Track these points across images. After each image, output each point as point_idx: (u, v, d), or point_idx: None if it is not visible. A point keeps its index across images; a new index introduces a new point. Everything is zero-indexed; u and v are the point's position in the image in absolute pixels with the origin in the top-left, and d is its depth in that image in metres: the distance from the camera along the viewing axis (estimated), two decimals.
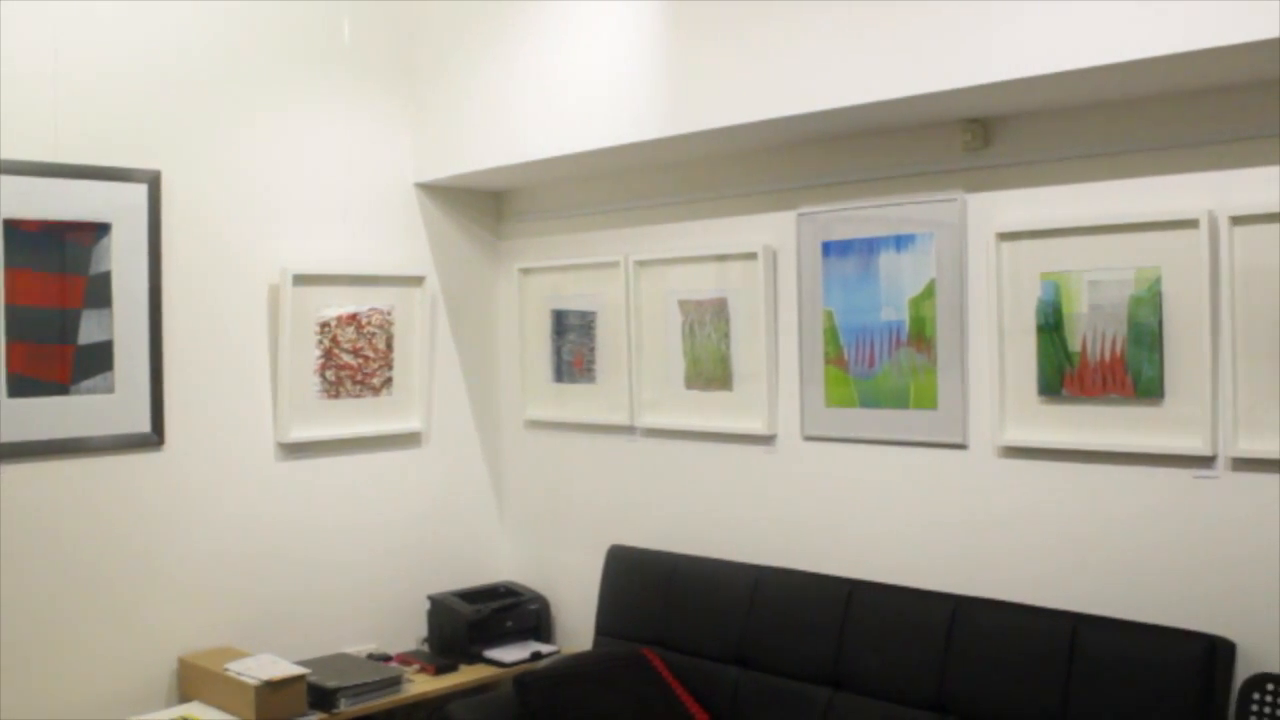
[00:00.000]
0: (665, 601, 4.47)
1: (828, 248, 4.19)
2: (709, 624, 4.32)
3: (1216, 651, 3.26)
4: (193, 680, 4.27)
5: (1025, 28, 3.22)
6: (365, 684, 4.31)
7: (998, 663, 3.59)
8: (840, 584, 4.05)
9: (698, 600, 4.38)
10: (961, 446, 3.90)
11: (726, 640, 4.25)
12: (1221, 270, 3.34)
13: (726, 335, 4.50)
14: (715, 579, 4.37)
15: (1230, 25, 2.88)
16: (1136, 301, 3.50)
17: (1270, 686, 3.19)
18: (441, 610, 4.93)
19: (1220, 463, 3.39)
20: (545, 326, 5.21)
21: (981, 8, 3.30)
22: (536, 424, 5.28)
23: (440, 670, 4.67)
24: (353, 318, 4.85)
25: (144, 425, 4.29)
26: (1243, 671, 3.29)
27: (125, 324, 4.24)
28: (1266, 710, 3.18)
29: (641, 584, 4.57)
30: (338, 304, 4.81)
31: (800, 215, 4.27)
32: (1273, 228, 3.27)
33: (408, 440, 5.07)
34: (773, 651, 4.13)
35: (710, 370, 4.57)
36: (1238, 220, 3.31)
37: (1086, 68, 3.14)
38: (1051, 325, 3.66)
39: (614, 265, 4.86)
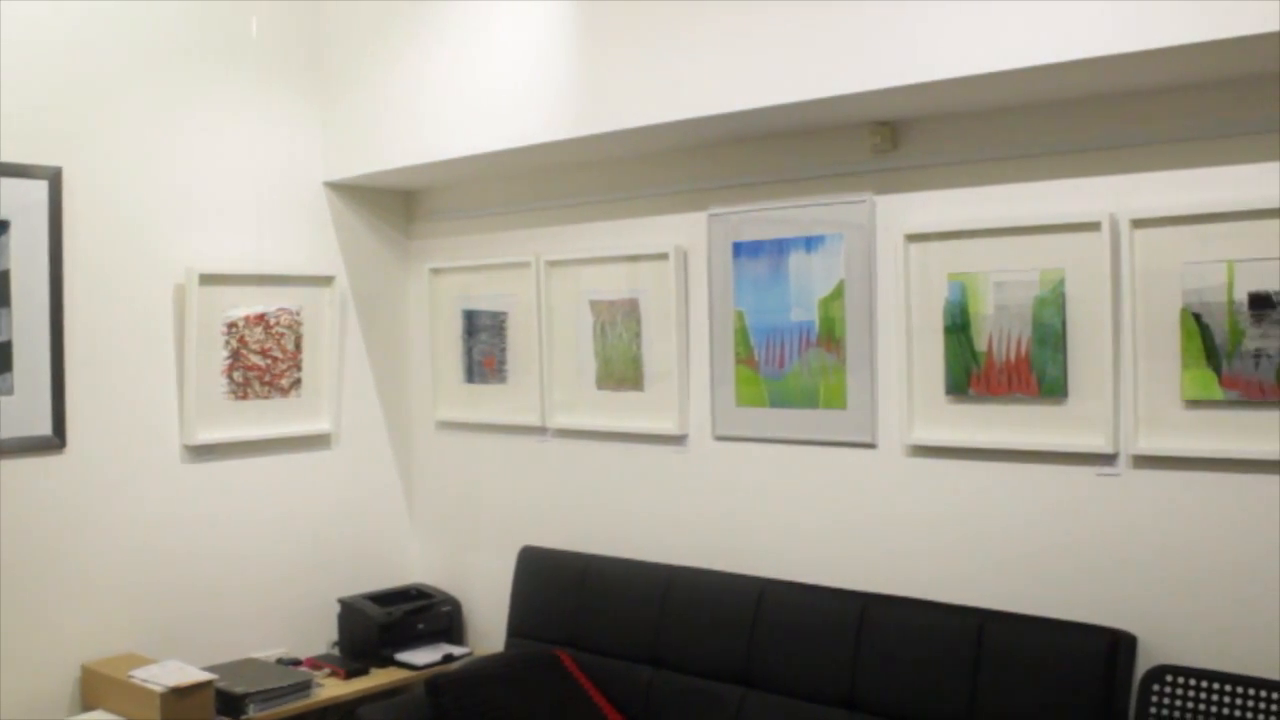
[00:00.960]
0: (578, 602, 4.44)
1: (738, 248, 4.18)
2: (621, 624, 4.30)
3: (1118, 645, 3.31)
4: (96, 688, 4.16)
5: (933, 33, 3.24)
6: (274, 689, 4.24)
7: (907, 659, 3.60)
8: (751, 583, 4.05)
9: (610, 601, 4.36)
10: (870, 446, 3.92)
11: (639, 640, 4.23)
12: (1122, 272, 3.39)
13: (638, 336, 4.49)
14: (627, 579, 4.35)
15: (1129, 33, 2.93)
16: (1041, 302, 3.54)
17: (1170, 678, 3.24)
18: (352, 613, 4.85)
19: (1122, 460, 3.44)
20: (456, 327, 5.15)
21: (890, 12, 3.32)
22: (448, 425, 5.23)
23: (351, 674, 4.60)
24: (261, 318, 4.76)
25: (45, 428, 4.17)
26: (1144, 664, 3.34)
27: (25, 324, 4.12)
28: (1166, 700, 3.24)
29: (554, 585, 4.54)
30: (245, 304, 4.72)
31: (711, 216, 4.26)
32: (1171, 230, 3.32)
33: (317, 442, 4.99)
34: (685, 651, 4.12)
35: (622, 370, 4.55)
36: (1138, 223, 3.36)
37: (992, 72, 3.17)
38: (958, 326, 3.68)
39: (525, 265, 4.82)
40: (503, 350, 4.98)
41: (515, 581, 4.68)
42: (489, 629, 5.03)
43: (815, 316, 4.00)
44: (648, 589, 4.26)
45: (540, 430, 4.85)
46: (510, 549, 4.80)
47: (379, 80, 4.73)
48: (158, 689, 3.90)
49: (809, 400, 4.02)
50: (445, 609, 5.00)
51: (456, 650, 4.87)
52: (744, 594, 4.03)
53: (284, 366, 4.84)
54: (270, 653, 4.72)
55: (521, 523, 4.92)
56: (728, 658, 4.00)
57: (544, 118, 4.13)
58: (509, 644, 4.64)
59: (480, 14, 4.34)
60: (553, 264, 4.73)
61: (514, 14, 4.23)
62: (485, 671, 4.10)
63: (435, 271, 5.21)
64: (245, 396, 4.72)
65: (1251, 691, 3.14)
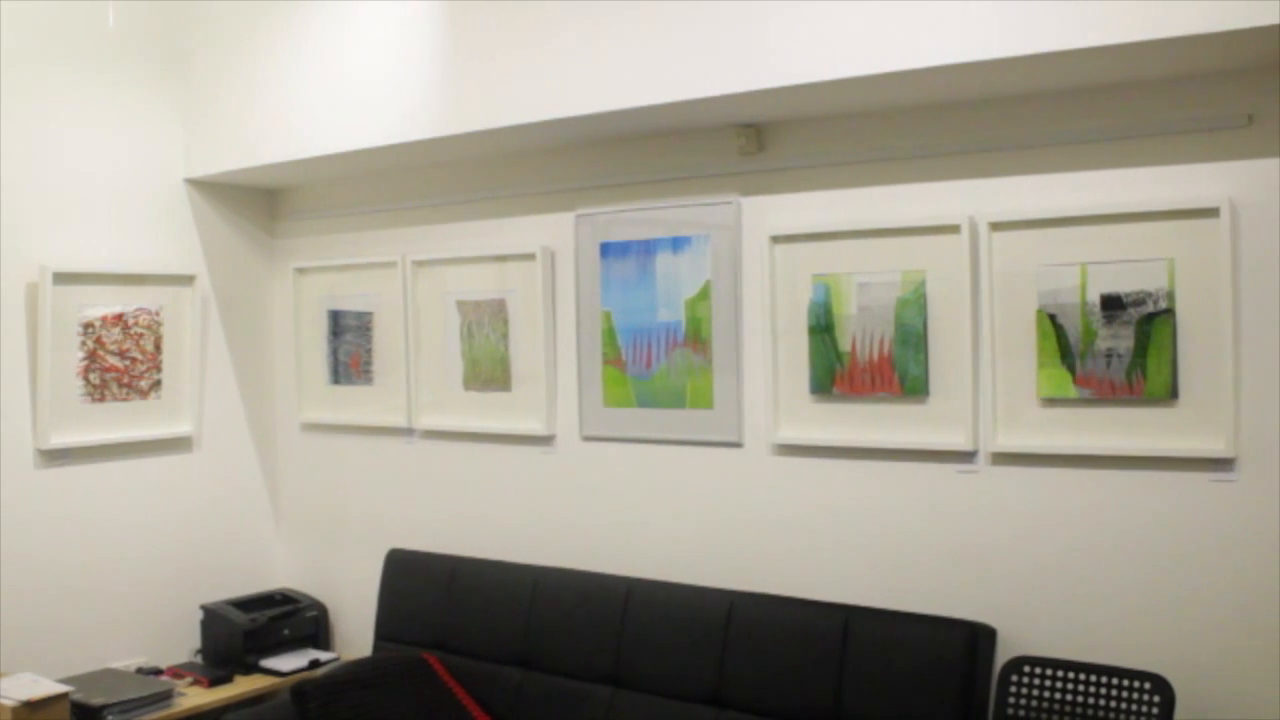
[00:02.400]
0: (446, 605, 4.36)
1: (606, 249, 4.15)
2: (490, 626, 4.23)
3: (978, 637, 3.36)
4: None
5: (798, 37, 3.25)
6: (133, 700, 4.08)
7: (773, 655, 3.60)
8: (619, 583, 4.02)
9: (478, 603, 4.29)
10: (737, 445, 3.92)
11: (508, 642, 4.17)
12: (981, 274, 3.44)
13: (505, 336, 4.43)
14: (495, 581, 4.29)
15: (988, 40, 2.98)
16: (903, 303, 3.57)
17: (1028, 668, 3.30)
18: (215, 620, 4.71)
19: (981, 457, 3.49)
20: (321, 327, 5.04)
21: (755, 16, 3.32)
22: (313, 427, 5.11)
23: (214, 682, 4.46)
24: (119, 318, 4.59)
25: None
26: (1003, 655, 3.40)
27: None
28: (1024, 690, 3.29)
29: (421, 588, 4.45)
30: (102, 304, 4.54)
31: (579, 216, 4.22)
32: (1028, 234, 3.38)
33: (178, 445, 4.83)
34: (554, 652, 4.07)
35: (489, 371, 4.48)
36: (996, 226, 3.42)
37: (855, 77, 3.19)
38: (823, 326, 3.70)
39: (391, 265, 4.73)
40: (368, 351, 4.88)
41: (383, 585, 4.59)
42: (356, 633, 4.92)
43: (682, 317, 3.99)
44: (516, 590, 4.21)
45: (407, 431, 4.76)
46: (377, 552, 4.70)
47: (243, 76, 4.60)
48: (9, 703, 3.73)
49: (676, 400, 4.01)
50: (311, 614, 4.88)
51: (323, 656, 4.75)
52: (612, 594, 3.99)
53: (143, 368, 4.68)
54: (130, 662, 4.55)
55: (389, 525, 4.82)
56: (597, 658, 3.96)
57: (409, 116, 4.05)
58: (377, 648, 4.54)
59: (346, 12, 4.24)
60: (419, 264, 4.65)
61: (380, 12, 4.14)
62: (352, 676, 4.01)
63: (300, 271, 5.08)
64: (103, 399, 4.55)
65: (1103, 679, 3.21)
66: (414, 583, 4.49)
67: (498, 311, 4.44)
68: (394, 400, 4.77)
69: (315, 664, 4.66)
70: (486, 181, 4.50)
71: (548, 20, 3.72)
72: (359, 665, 4.18)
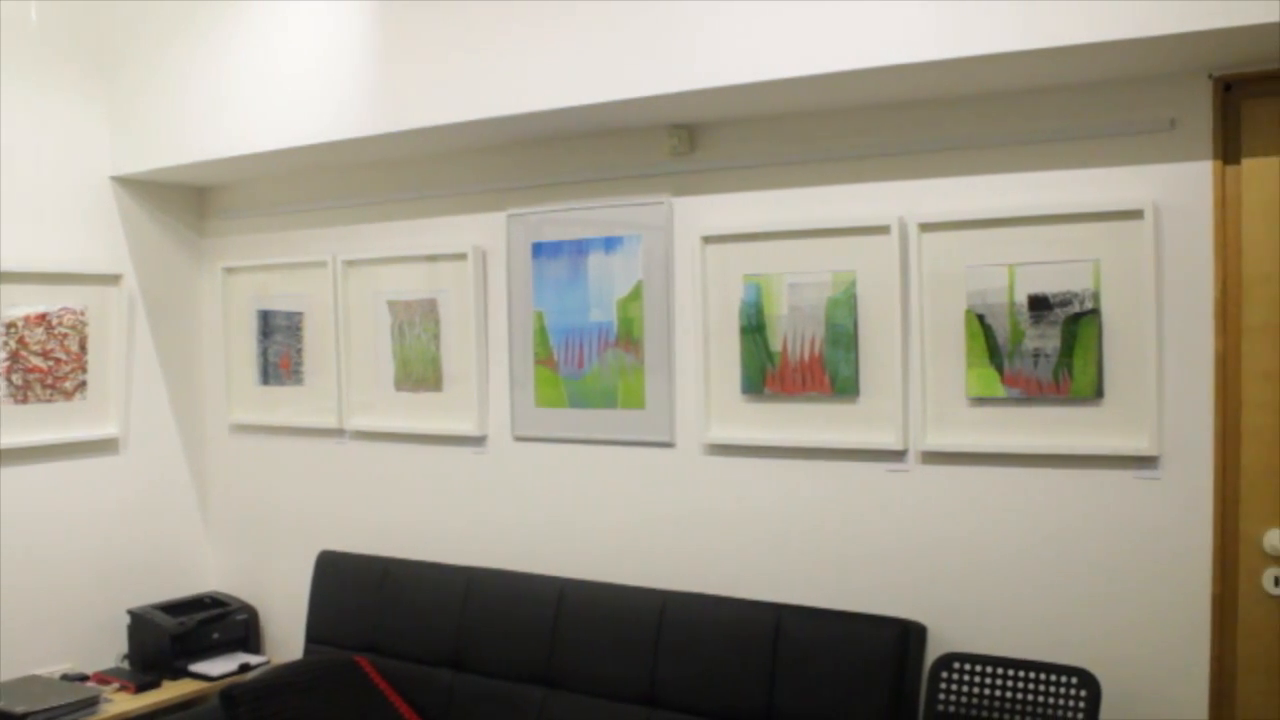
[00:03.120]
0: (377, 607, 4.30)
1: (538, 249, 4.12)
2: (422, 628, 4.18)
3: (909, 634, 3.36)
4: None
5: (729, 38, 3.24)
6: (58, 707, 3.99)
7: (706, 654, 3.59)
8: (552, 583, 3.98)
9: (410, 604, 4.23)
10: (669, 445, 3.90)
11: (440, 644, 4.12)
12: (911, 274, 3.45)
13: (436, 336, 4.38)
14: (427, 582, 4.23)
15: (915, 44, 2.99)
16: (834, 304, 3.57)
17: (957, 665, 3.32)
18: (142, 625, 4.61)
19: (911, 456, 3.51)
20: (251, 327, 4.95)
21: (687, 17, 3.30)
22: (242, 428, 5.02)
23: (142, 688, 4.37)
24: (42, 318, 4.49)
25: None
26: (934, 651, 3.42)
27: None
28: (954, 686, 3.31)
29: (353, 590, 4.39)
30: (25, 303, 4.43)
31: (510, 216, 4.18)
32: (956, 234, 3.39)
33: (104, 447, 4.73)
34: (487, 653, 4.02)
35: (420, 371, 4.43)
36: (926, 227, 3.43)
37: (786, 78, 3.19)
38: (754, 326, 3.69)
39: (322, 265, 4.66)
40: (299, 351, 4.80)
41: (313, 587, 4.52)
42: (287, 636, 4.85)
43: (614, 317, 3.96)
44: (448, 592, 4.16)
45: (338, 432, 4.70)
46: (308, 554, 4.63)
47: (171, 73, 4.50)
48: None
49: (608, 400, 3.98)
50: (241, 617, 4.80)
51: (253, 659, 4.67)
52: (544, 594, 3.96)
53: (68, 368, 4.57)
54: (54, 669, 4.45)
55: (319, 527, 4.76)
56: (529, 658, 3.92)
57: (340, 115, 3.99)
58: (308, 651, 4.47)
59: (276, 9, 4.17)
60: (350, 264, 4.58)
61: (311, 10, 4.07)
62: (282, 680, 3.94)
63: (229, 271, 4.99)
64: (26, 400, 4.44)
65: (1031, 675, 3.24)
66: (345, 584, 4.43)
67: (429, 311, 4.39)
68: (325, 401, 4.71)
69: (245, 668, 4.58)
70: (418, 181, 4.44)
71: (480, 20, 3.68)
72: (290, 668, 4.10)
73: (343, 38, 3.99)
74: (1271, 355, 3.09)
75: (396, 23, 3.88)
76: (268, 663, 4.69)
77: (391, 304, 4.49)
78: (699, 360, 3.80)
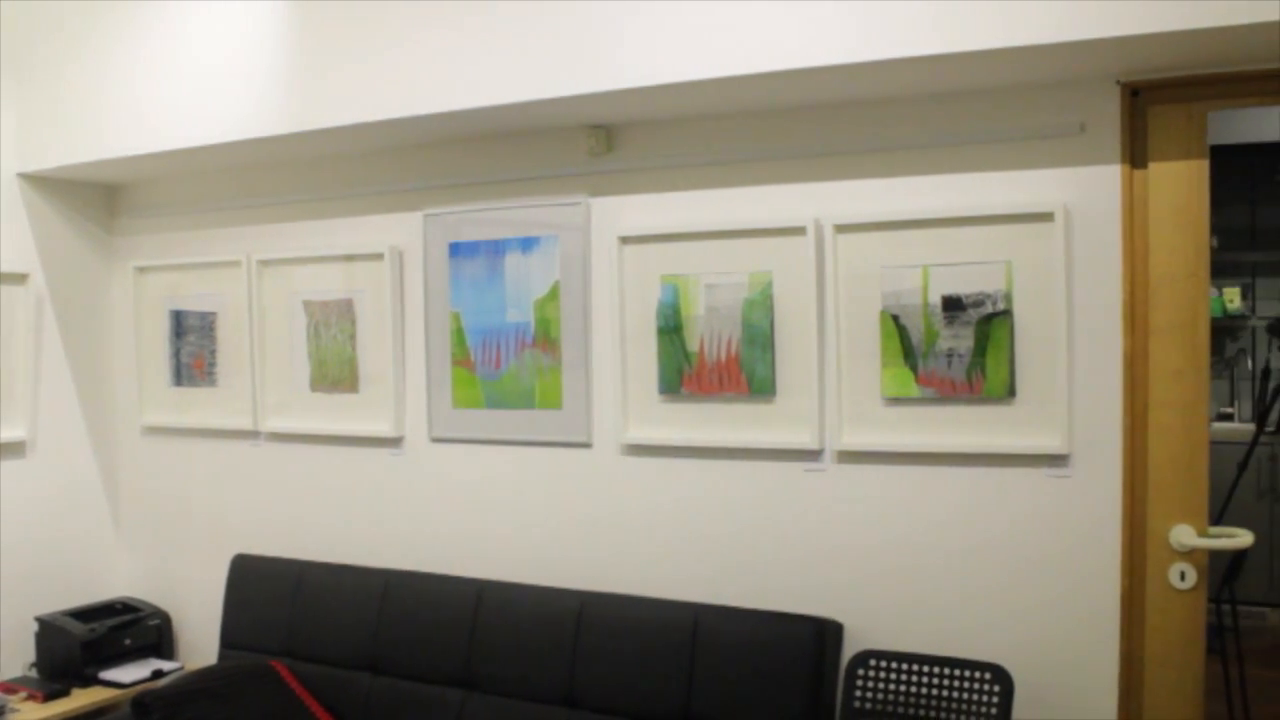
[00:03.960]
0: (293, 611, 4.21)
1: (455, 249, 4.06)
2: (339, 632, 4.10)
3: (825, 632, 3.36)
4: None
5: (646, 39, 3.22)
6: None
7: (625, 655, 3.56)
8: (470, 585, 3.93)
9: (327, 608, 4.15)
10: (586, 445, 3.86)
11: (357, 647, 4.05)
12: (826, 275, 3.44)
13: (353, 337, 4.30)
14: (344, 585, 4.15)
15: (831, 47, 2.99)
16: (750, 304, 3.55)
17: (873, 662, 3.32)
18: (51, 632, 4.47)
19: (827, 455, 3.50)
20: (163, 328, 4.83)
21: (605, 17, 3.28)
22: (155, 430, 4.89)
23: (50, 696, 4.23)
24: None
25: None
26: (850, 649, 3.42)
27: None
28: (870, 683, 3.31)
29: (268, 594, 4.29)
30: None
31: (427, 216, 4.12)
32: (872, 236, 3.39)
33: (10, 450, 4.58)
34: (405, 656, 3.96)
35: (336, 372, 4.35)
36: (841, 229, 3.42)
37: (703, 79, 3.17)
38: (671, 327, 3.66)
39: (236, 265, 4.56)
40: (212, 352, 4.69)
41: (228, 591, 4.41)
42: (201, 642, 4.73)
43: (531, 317, 3.91)
44: (365, 594, 4.08)
45: (252, 434, 4.59)
46: (222, 558, 4.53)
47: (81, 69, 4.36)
48: None
49: (525, 401, 3.94)
50: (154, 623, 4.67)
51: (166, 665, 4.56)
52: (463, 596, 3.90)
53: None
54: None
55: (234, 530, 4.65)
56: (448, 661, 3.87)
57: (255, 112, 3.90)
58: (222, 656, 4.36)
59: (189, 6, 4.06)
60: (265, 263, 4.49)
61: (226, 7, 3.97)
62: (196, 686, 3.84)
63: (140, 270, 4.86)
64: None
65: (946, 671, 3.25)
66: (260, 588, 4.33)
67: (345, 312, 4.31)
68: (239, 402, 4.60)
69: (158, 674, 4.46)
70: (334, 180, 4.36)
71: (396, 18, 3.62)
72: (204, 674, 4.00)
73: (258, 35, 3.90)
74: (1177, 354, 3.13)
75: (312, 21, 3.80)
76: (181, 669, 4.58)
77: (307, 304, 4.40)
78: (616, 360, 3.76)
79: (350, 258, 4.30)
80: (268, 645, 4.23)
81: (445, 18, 3.53)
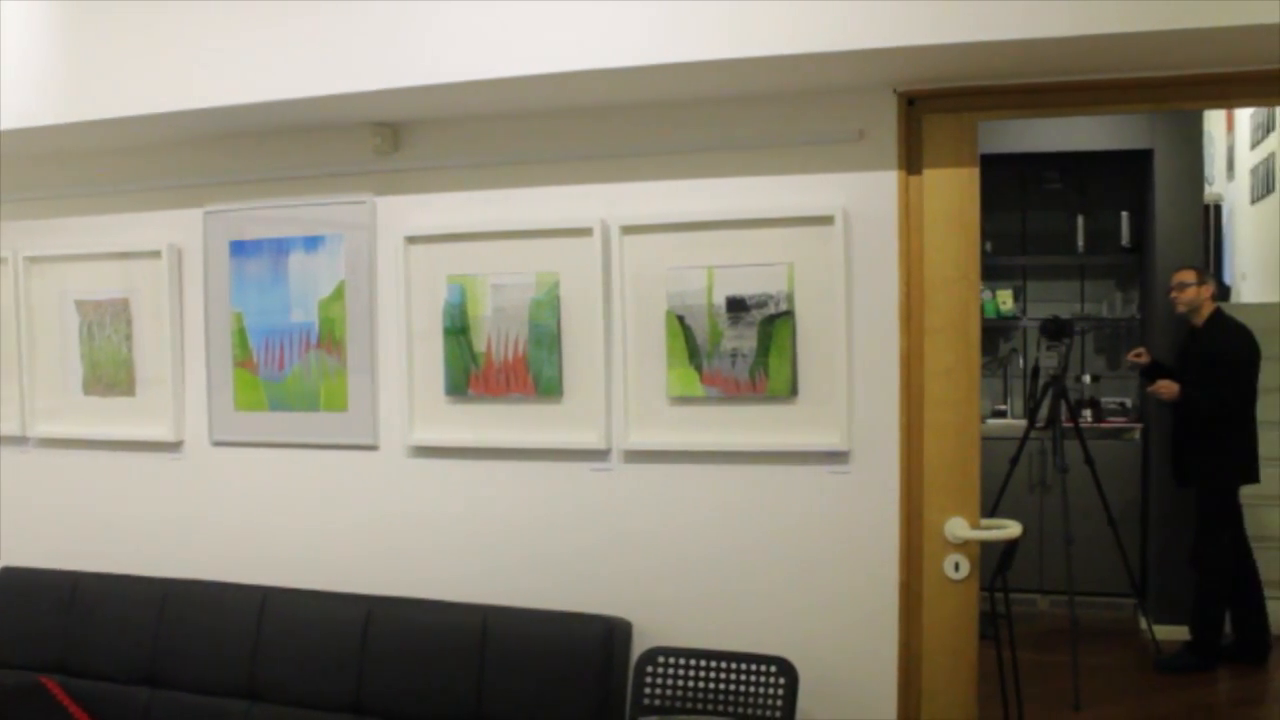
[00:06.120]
0: (66, 624, 3.91)
1: (237, 247, 3.85)
2: (115, 644, 3.83)
3: (614, 631, 3.31)
4: None
5: (433, 36, 3.13)
6: None
7: (414, 660, 3.44)
8: (254, 592, 3.72)
9: (102, 620, 3.87)
10: (372, 448, 3.72)
11: (135, 660, 3.79)
12: (613, 276, 3.40)
13: (129, 338, 4.04)
14: (120, 596, 3.88)
15: (617, 49, 2.97)
16: (537, 305, 3.47)
17: (662, 659, 3.30)
18: None
19: (614, 455, 3.46)
20: None
21: (390, 14, 3.18)
22: None
23: None
24: None
25: None
26: (639, 647, 3.37)
27: None
28: (659, 680, 3.28)
29: (38, 607, 3.98)
30: None
31: (208, 213, 3.89)
32: (658, 237, 3.36)
33: None
34: (186, 668, 3.72)
35: (112, 375, 4.08)
36: (628, 229, 3.38)
37: (489, 79, 3.11)
38: (458, 327, 3.55)
39: (1, 262, 4.24)
40: None
41: None
42: None
43: (316, 318, 3.74)
44: (143, 605, 3.82)
45: (20, 440, 4.27)
46: None
47: None
48: None
49: (310, 403, 3.76)
50: None
51: None
52: (246, 604, 3.70)
53: None
54: None
55: (1, 542, 4.32)
56: (231, 671, 3.66)
57: (21, 102, 3.62)
58: None
59: None
60: (32, 260, 4.18)
61: None
62: None
63: None
64: None
65: (732, 665, 3.24)
66: (30, 602, 4.01)
67: (120, 312, 4.05)
68: (6, 407, 4.27)
69: None
70: (109, 174, 4.08)
71: (174, 9, 3.41)
72: None
73: (25, 22, 3.62)
74: (950, 354, 3.18)
75: (85, 9, 3.55)
76: None
77: (80, 304, 4.11)
78: (403, 362, 3.63)
79: (126, 255, 4.04)
80: (38, 661, 3.92)
81: (227, 10, 3.36)
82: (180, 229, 3.97)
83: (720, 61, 2.91)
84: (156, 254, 3.96)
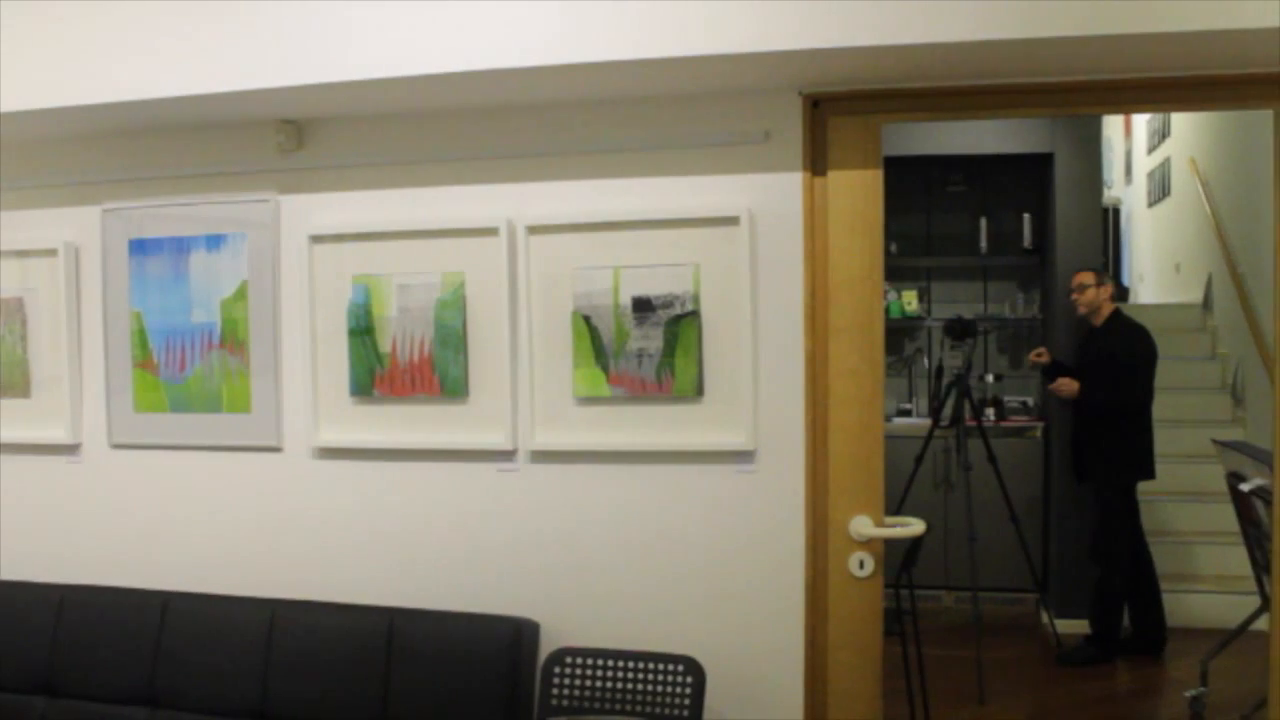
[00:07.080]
0: None
1: (136, 246, 3.74)
2: (9, 654, 3.69)
3: (522, 632, 3.28)
4: None
5: (338, 33, 3.09)
6: None
7: (319, 662, 3.37)
8: (155, 597, 3.62)
9: None
10: (276, 449, 3.64)
11: (30, 669, 3.67)
12: (519, 276, 3.37)
13: (24, 338, 3.92)
14: (14, 604, 3.75)
15: (523, 49, 2.96)
16: (443, 305, 3.42)
17: (569, 659, 3.27)
18: None
19: (520, 456, 3.42)
20: None
21: (295, 11, 3.12)
22: None
23: None
24: None
25: None
26: (547, 647, 3.35)
27: None
28: (567, 680, 3.27)
29: None
30: None
31: (106, 211, 3.79)
32: (564, 237, 3.33)
33: None
34: (84, 676, 3.61)
35: (6, 376, 3.95)
36: (534, 230, 3.36)
37: (393, 77, 3.07)
38: (363, 327, 3.49)
39: None
40: None
41: None
42: None
43: (218, 318, 3.65)
44: (38, 613, 3.70)
45: None
46: None
47: None
48: None
49: (212, 404, 3.67)
50: None
51: None
52: (147, 609, 3.60)
53: None
54: None
55: None
56: (131, 678, 3.56)
57: None
58: None
59: None
60: None
61: None
62: None
63: None
64: None
65: (640, 664, 3.23)
66: None
67: (15, 311, 3.92)
68: None
69: None
70: (3, 171, 3.95)
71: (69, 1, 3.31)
72: None
73: None
74: (854, 354, 3.19)
75: None
76: None
77: None
78: (307, 362, 3.56)
79: (21, 253, 3.91)
80: None
81: (125, 4, 3.27)
82: (77, 227, 3.85)
83: (626, 62, 2.90)
84: (53, 252, 3.84)
